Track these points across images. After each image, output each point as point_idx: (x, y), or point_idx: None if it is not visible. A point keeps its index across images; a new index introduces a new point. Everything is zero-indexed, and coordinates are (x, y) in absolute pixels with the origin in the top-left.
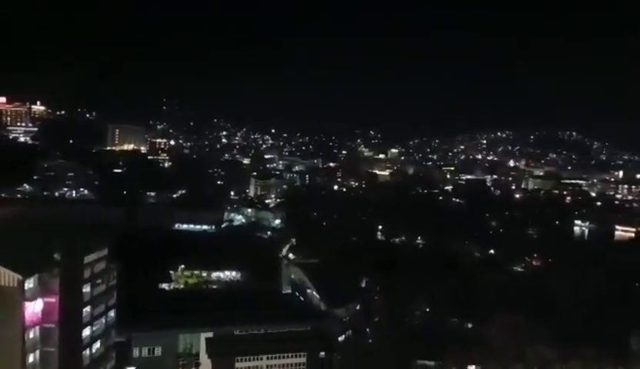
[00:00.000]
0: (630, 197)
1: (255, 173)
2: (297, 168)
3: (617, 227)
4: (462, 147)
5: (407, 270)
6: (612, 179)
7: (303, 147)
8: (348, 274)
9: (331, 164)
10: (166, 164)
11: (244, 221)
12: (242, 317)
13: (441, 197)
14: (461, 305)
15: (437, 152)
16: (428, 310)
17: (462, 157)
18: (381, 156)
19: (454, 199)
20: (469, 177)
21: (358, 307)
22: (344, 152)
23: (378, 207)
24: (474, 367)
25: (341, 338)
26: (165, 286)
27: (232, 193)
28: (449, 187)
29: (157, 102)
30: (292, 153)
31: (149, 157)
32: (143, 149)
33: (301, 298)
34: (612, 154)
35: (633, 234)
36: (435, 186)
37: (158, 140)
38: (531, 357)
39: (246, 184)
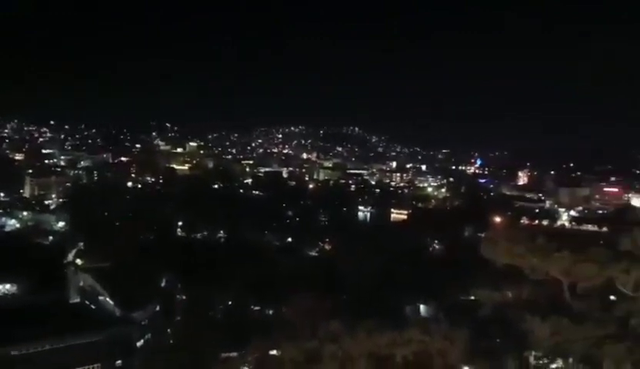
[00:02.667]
0: (402, 184)
1: (30, 170)
2: (83, 164)
3: (392, 210)
4: (260, 141)
5: (208, 265)
6: (388, 169)
7: (90, 141)
8: (145, 274)
9: (124, 159)
10: None
11: (18, 225)
12: (20, 334)
13: (241, 190)
14: (262, 293)
15: (236, 146)
16: (230, 302)
17: (260, 150)
18: (179, 150)
19: (253, 191)
20: (267, 169)
21: (157, 308)
22: (138, 146)
23: (178, 202)
24: (275, 351)
25: (139, 343)
26: None
27: (1, 194)
28: (249, 180)
29: None
30: (77, 147)
31: None
32: None
33: (93, 306)
34: (388, 146)
35: (405, 216)
36: (235, 179)
37: None
38: (323, 333)
39: (20, 183)
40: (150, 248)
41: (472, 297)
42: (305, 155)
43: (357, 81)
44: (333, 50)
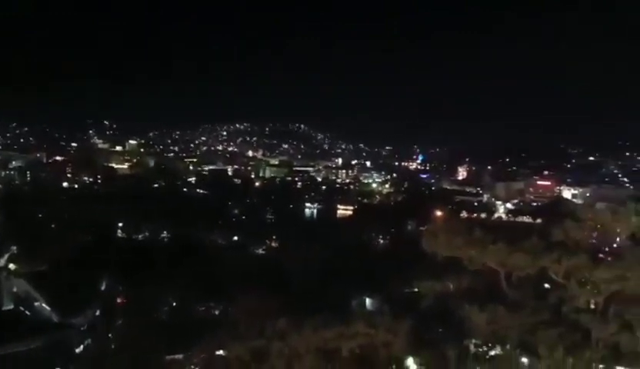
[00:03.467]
0: (348, 181)
1: None
2: (15, 164)
3: (339, 206)
4: (203, 138)
5: (151, 266)
6: (334, 165)
7: (22, 140)
8: (84, 278)
9: (59, 158)
10: None
11: None
12: None
13: (185, 189)
14: (208, 293)
15: (178, 144)
16: (175, 303)
17: (204, 148)
18: (119, 148)
19: (198, 190)
20: (212, 167)
21: (97, 313)
22: (74, 144)
23: (118, 203)
24: (222, 351)
25: (79, 349)
26: None
27: None
28: (192, 179)
29: None
30: (8, 146)
31: None
32: None
33: (28, 313)
34: (333, 143)
35: (351, 212)
36: (178, 178)
37: None
38: (270, 330)
39: None
40: (88, 250)
41: (415, 289)
42: (250, 153)
43: (302, 79)
44: (272, 48)
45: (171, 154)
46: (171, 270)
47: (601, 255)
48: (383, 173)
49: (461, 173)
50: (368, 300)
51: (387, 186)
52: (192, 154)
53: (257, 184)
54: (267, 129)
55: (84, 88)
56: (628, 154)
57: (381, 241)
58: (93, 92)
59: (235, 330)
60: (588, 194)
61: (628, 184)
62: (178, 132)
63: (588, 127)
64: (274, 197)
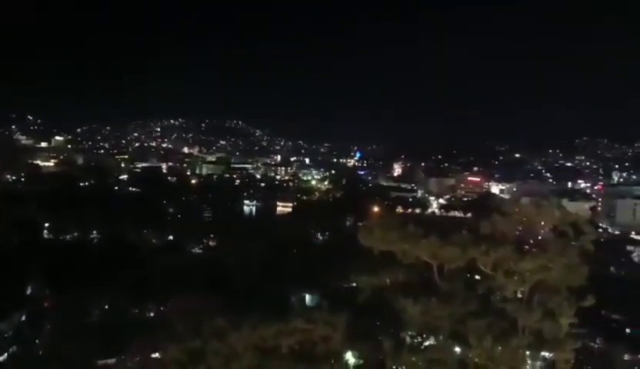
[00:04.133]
0: (287, 178)
1: None
2: None
3: (278, 203)
4: (136, 134)
5: (81, 268)
6: (273, 162)
7: None
8: (8, 282)
9: None
10: None
11: None
12: None
13: (116, 187)
14: (142, 294)
15: (108, 140)
16: (107, 306)
17: (137, 144)
18: (44, 144)
19: (130, 188)
20: (145, 164)
21: (23, 318)
22: None
23: (44, 202)
24: (157, 353)
25: (3, 357)
26: None
27: None
28: (124, 176)
29: None
30: None
31: None
32: None
33: None
34: (272, 140)
35: (290, 209)
36: (109, 175)
37: None
38: (207, 330)
39: None
40: (12, 253)
41: (353, 284)
42: (186, 149)
43: (239, 75)
44: (208, 44)
45: (102, 151)
46: (102, 272)
47: (526, 247)
48: (322, 170)
49: (397, 169)
50: (307, 296)
51: (326, 183)
52: (124, 150)
53: (193, 181)
54: (203, 125)
55: (7, 83)
56: (550, 151)
57: (320, 238)
58: (17, 87)
59: (170, 331)
60: (514, 189)
61: (550, 180)
62: (108, 128)
63: (514, 127)
64: (211, 195)
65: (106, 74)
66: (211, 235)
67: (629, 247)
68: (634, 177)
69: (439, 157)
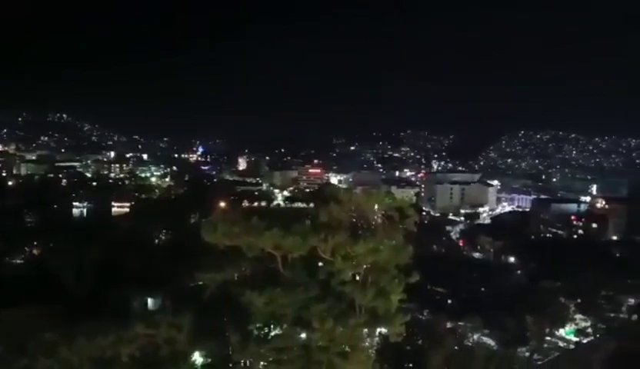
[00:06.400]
0: (122, 176)
1: None
2: None
3: (113, 203)
4: None
5: None
6: (105, 159)
7: None
8: None
9: None
10: None
11: None
12: None
13: None
14: None
15: None
16: None
17: None
18: None
19: None
20: None
21: None
22: None
23: None
24: None
25: None
26: None
27: None
28: None
29: None
30: None
31: None
32: None
33: None
34: (103, 135)
35: (128, 209)
36: None
37: None
38: (35, 347)
39: None
40: None
41: (199, 282)
42: (0, 147)
43: (63, 65)
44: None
45: None
46: None
47: (360, 232)
48: (162, 166)
49: (242, 164)
50: (149, 299)
51: (167, 179)
52: None
53: (10, 183)
54: (20, 120)
55: None
56: (380, 143)
57: (163, 237)
58: None
59: None
60: (350, 179)
61: (381, 169)
62: None
63: (349, 121)
64: (34, 198)
65: None
66: (35, 243)
67: (448, 227)
68: (450, 165)
69: (282, 150)
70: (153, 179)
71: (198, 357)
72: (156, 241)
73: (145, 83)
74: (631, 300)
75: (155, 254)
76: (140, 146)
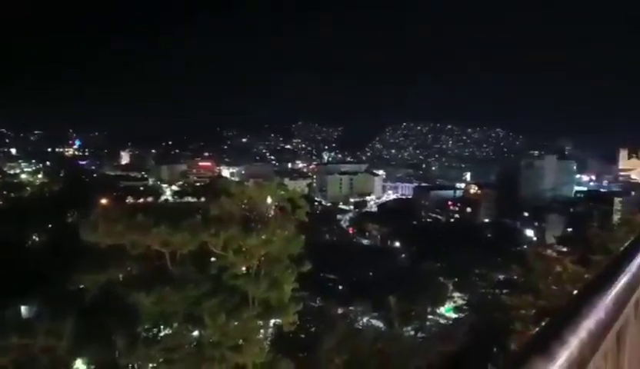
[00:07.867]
0: None
1: None
2: None
3: None
4: None
5: None
6: None
7: None
8: None
9: None
10: None
11: None
12: None
13: None
14: None
15: None
16: None
17: None
18: None
19: None
20: None
21: None
22: None
23: None
24: None
25: None
26: None
27: None
28: None
29: None
30: None
31: None
32: None
33: None
34: None
35: None
36: None
37: None
38: None
39: None
40: None
41: (80, 285)
42: None
43: None
44: None
45: None
46: None
47: (252, 225)
48: (34, 161)
49: (125, 158)
50: (22, 308)
51: (40, 176)
52: None
53: None
54: None
55: None
56: (272, 135)
57: (37, 239)
58: None
59: None
60: (242, 172)
61: (273, 161)
62: None
63: (239, 113)
64: None
65: None
66: None
67: (338, 216)
68: (339, 156)
69: (169, 143)
70: (23, 176)
71: (80, 365)
72: (29, 242)
73: (10, 70)
74: (501, 276)
75: (28, 258)
76: (7, 140)
